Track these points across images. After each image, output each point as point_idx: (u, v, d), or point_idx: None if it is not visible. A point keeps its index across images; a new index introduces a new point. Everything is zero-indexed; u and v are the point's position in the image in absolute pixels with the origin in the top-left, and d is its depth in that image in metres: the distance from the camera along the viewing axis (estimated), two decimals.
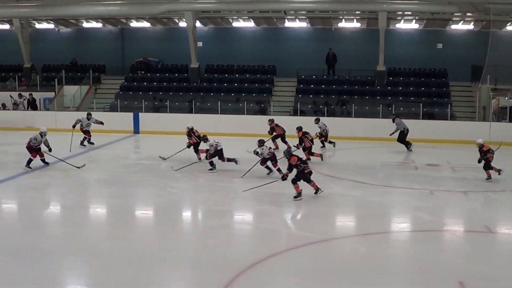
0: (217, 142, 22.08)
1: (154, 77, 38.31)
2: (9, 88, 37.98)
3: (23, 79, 38.72)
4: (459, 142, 29.09)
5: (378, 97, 33.73)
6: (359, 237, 14.50)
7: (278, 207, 17.59)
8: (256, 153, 20.98)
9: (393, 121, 27.61)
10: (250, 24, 39.12)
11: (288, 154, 18.28)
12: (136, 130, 32.14)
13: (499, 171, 20.60)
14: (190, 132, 24.31)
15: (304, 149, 23.88)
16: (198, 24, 36.50)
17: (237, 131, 29.92)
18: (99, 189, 19.93)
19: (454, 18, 35.55)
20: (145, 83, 37.61)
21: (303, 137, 23.93)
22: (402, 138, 27.51)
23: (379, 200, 18.18)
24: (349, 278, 10.12)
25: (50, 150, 22.98)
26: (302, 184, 17.77)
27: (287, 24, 38.88)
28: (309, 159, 23.20)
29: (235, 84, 36.59)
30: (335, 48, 36.42)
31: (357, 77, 36.02)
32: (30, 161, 22.61)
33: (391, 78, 35.93)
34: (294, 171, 17.91)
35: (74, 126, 27.51)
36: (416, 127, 29.03)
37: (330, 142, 27.15)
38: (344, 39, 38.62)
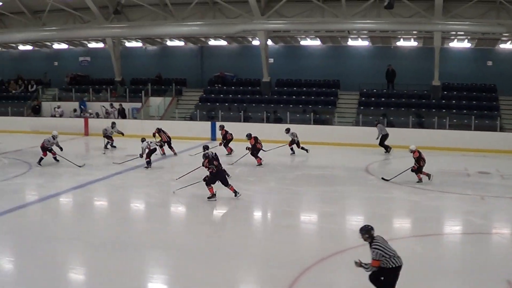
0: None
1: (229, 90, 38.63)
2: (102, 99, 38.71)
3: (114, 91, 39.37)
4: (507, 152, 28.60)
5: (434, 110, 33.30)
6: (416, 238, 14.57)
7: (342, 209, 17.67)
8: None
9: (376, 126, 28.73)
10: (317, 42, 39.20)
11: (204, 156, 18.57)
12: (213, 137, 32.60)
13: None
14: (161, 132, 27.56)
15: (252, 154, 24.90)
16: (269, 42, 36.75)
17: (304, 140, 29.93)
18: (181, 190, 20.18)
19: (502, 38, 35.12)
20: (221, 95, 37.96)
21: (256, 143, 24.91)
22: (382, 141, 28.60)
23: (435, 204, 18.26)
24: (407, 276, 10.06)
25: (61, 149, 25.38)
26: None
27: (350, 42, 38.81)
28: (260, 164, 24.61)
29: (303, 97, 36.67)
30: (394, 64, 36.23)
31: (414, 91, 35.67)
32: (41, 159, 24.74)
33: (445, 92, 35.52)
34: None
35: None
36: (468, 138, 28.79)
37: (302, 148, 27.88)
38: (402, 56, 38.29)
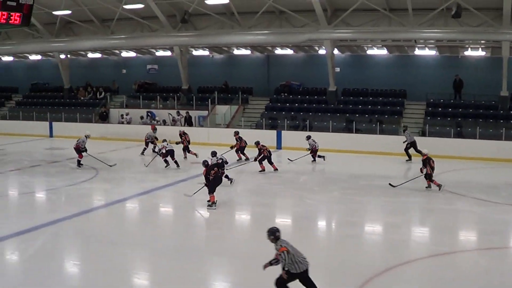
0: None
1: (295, 99, 38.63)
2: (169, 107, 39.19)
3: (182, 99, 39.84)
4: None
5: (501, 121, 32.68)
6: (480, 252, 14.30)
7: (405, 220, 17.51)
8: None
9: (403, 133, 29.43)
10: (383, 51, 38.88)
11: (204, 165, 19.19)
12: (279, 146, 32.62)
13: None
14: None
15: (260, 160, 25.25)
16: (336, 51, 36.61)
17: (369, 149, 29.76)
18: (245, 197, 20.39)
19: None
20: (287, 104, 38.00)
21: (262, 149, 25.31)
22: (408, 148, 28.73)
23: (502, 218, 17.88)
24: None
25: (85, 150, 26.15)
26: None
27: (417, 52, 38.38)
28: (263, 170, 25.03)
29: (369, 106, 36.34)
30: (461, 74, 35.65)
31: (481, 101, 35.03)
32: (79, 161, 25.95)
33: None
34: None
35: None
36: None
37: (319, 156, 27.91)
38: (470, 66, 37.64)
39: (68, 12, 34.76)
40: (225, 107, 38.09)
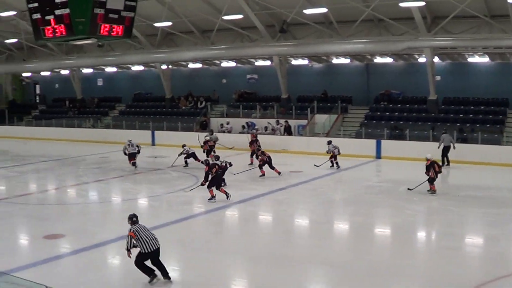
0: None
1: (395, 108, 38.22)
2: (268, 116, 39.50)
3: (282, 108, 40.07)
4: None
5: None
6: None
7: (508, 232, 17.07)
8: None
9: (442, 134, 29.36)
10: (485, 59, 37.96)
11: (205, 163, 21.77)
12: (378, 156, 32.32)
13: None
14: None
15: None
16: (436, 59, 35.99)
17: (469, 159, 29.21)
18: (343, 207, 20.38)
19: None
20: (387, 113, 37.64)
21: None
22: (444, 152, 28.75)
23: None
24: None
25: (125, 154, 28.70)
26: None
27: None
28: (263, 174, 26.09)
29: (470, 116, 35.55)
30: None
31: None
32: (134, 164, 28.36)
33: None
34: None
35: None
36: None
37: (336, 163, 28.33)
38: None
39: (169, 23, 35.60)
40: (324, 116, 38.03)
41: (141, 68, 49.33)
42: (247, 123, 39.32)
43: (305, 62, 42.75)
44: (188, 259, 14.45)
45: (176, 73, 47.43)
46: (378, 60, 40.62)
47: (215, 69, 46.95)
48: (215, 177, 21.14)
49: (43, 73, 55.67)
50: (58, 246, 15.59)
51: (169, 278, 12.38)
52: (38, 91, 59.83)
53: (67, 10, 11.59)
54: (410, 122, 35.63)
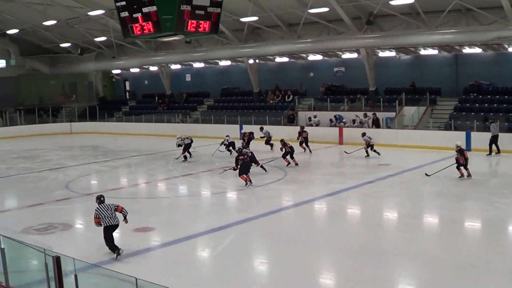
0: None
1: (485, 99, 37.26)
2: (356, 109, 39.22)
3: (369, 100, 39.71)
4: None
5: None
6: None
7: None
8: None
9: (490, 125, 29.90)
10: None
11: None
12: (468, 148, 31.57)
13: None
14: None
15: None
16: None
17: None
18: (431, 200, 20.05)
19: None
20: (476, 105, 36.73)
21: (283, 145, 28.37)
22: (493, 141, 29.19)
23: None
24: None
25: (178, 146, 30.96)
26: None
27: None
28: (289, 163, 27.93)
29: None
30: None
31: None
32: (185, 157, 30.47)
33: None
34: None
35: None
36: None
37: (375, 151, 29.61)
38: None
39: (255, 18, 35.82)
40: (412, 108, 37.48)
41: (228, 63, 49.76)
42: (335, 116, 39.13)
43: (392, 54, 42.22)
44: (277, 252, 14.59)
45: (263, 67, 47.62)
46: (466, 50, 39.66)
47: (302, 62, 46.88)
48: (243, 165, 23.32)
49: (132, 70, 57.04)
50: (148, 239, 15.98)
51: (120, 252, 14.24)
52: (127, 88, 61.22)
53: (154, 8, 11.80)
54: (501, 114, 34.69)
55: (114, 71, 58.57)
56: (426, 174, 23.76)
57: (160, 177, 26.75)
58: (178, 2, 11.87)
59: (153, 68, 53.91)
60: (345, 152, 31.13)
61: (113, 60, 50.17)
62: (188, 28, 12.40)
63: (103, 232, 14.33)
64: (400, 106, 37.61)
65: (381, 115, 37.55)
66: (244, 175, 23.04)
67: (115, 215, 14.42)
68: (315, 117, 39.29)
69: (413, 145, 29.20)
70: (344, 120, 38.53)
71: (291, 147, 28.15)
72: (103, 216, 14.32)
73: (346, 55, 43.57)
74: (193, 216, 18.77)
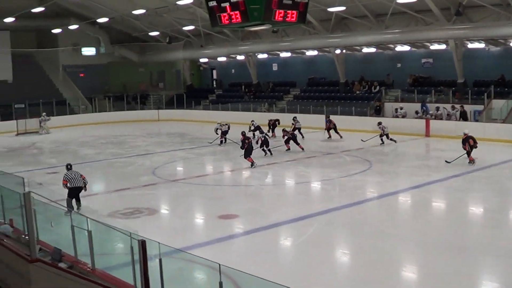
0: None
1: None
2: (443, 101, 38.47)
3: (456, 93, 38.91)
4: None
5: None
6: None
7: None
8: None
9: None
10: None
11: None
12: None
13: None
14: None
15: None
16: None
17: None
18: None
19: None
20: None
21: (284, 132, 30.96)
22: None
23: None
24: None
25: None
26: None
27: None
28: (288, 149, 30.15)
29: None
30: None
31: None
32: (221, 142, 32.91)
33: None
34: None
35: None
36: None
37: (391, 139, 31.61)
38: None
39: (342, 8, 35.49)
40: (501, 102, 36.43)
41: (315, 53, 49.53)
42: (422, 106, 38.44)
43: (481, 45, 41.19)
44: (359, 243, 14.50)
45: (350, 58, 47.19)
46: None
47: (389, 53, 46.23)
48: (248, 148, 25.83)
49: (219, 59, 57.49)
50: (232, 226, 16.14)
51: (79, 207, 17.25)
52: (214, 76, 61.69)
53: None
54: None
55: (202, 60, 59.12)
56: (446, 161, 24.91)
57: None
58: None
59: (240, 57, 54.16)
60: (361, 140, 32.51)
61: (201, 49, 50.75)
62: (276, 18, 12.41)
63: (68, 192, 17.24)
64: (488, 99, 36.63)
65: (469, 107, 36.65)
66: (250, 157, 25.59)
67: (80, 180, 17.57)
68: (401, 108, 38.73)
69: (502, 139, 28.44)
70: (430, 112, 37.83)
71: (292, 134, 31.04)
72: (70, 178, 17.43)
73: (434, 46, 42.74)
74: (276, 205, 18.85)
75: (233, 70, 58.30)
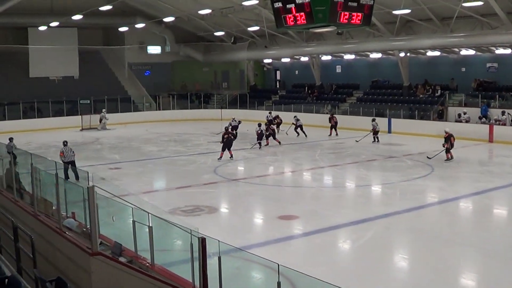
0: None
1: None
2: (508, 106, 37.65)
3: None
4: None
5: None
6: None
7: None
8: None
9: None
10: None
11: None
12: None
13: None
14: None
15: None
16: None
17: None
18: None
19: None
20: None
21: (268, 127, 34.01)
22: None
23: None
24: None
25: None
26: None
27: None
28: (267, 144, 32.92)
29: None
30: None
31: None
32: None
33: None
34: None
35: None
36: None
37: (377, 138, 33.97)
38: None
39: (407, 11, 35.11)
40: None
41: (379, 55, 49.12)
42: (482, 111, 37.75)
43: None
44: (418, 248, 14.32)
45: (413, 61, 46.61)
46: None
47: (453, 57, 45.51)
48: (226, 142, 27.78)
49: (283, 60, 57.39)
50: (291, 227, 16.12)
51: (77, 179, 18.51)
52: (278, 77, 61.69)
53: None
54: None
55: (266, 61, 59.20)
56: (428, 157, 27.13)
57: (306, 166, 26.85)
58: None
59: (304, 59, 54.05)
60: (356, 141, 33.98)
61: (265, 49, 50.83)
62: (341, 20, 12.35)
63: (64, 165, 19.66)
64: None
65: None
66: (223, 152, 27.73)
67: (72, 155, 22.61)
68: (464, 113, 38.10)
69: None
70: (495, 117, 37.10)
71: (274, 130, 34.37)
72: (65, 152, 22.57)
73: (500, 51, 41.94)
74: (336, 207, 18.76)
75: (296, 71, 58.23)
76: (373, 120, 34.55)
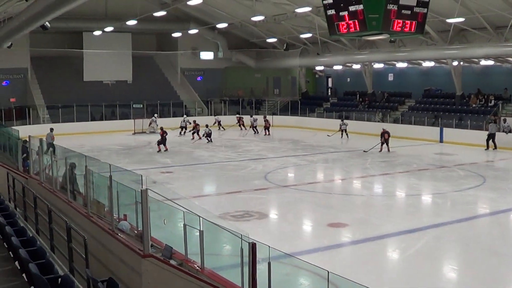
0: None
1: None
2: None
3: None
4: None
5: None
6: None
7: None
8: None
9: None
10: None
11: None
12: None
13: None
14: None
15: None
16: None
17: None
18: None
19: None
20: None
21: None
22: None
23: None
24: None
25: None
26: None
27: None
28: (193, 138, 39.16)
29: None
30: None
31: None
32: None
33: None
34: None
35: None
36: None
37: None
38: None
39: (461, 19, 34.70)
40: None
41: (431, 64, 48.64)
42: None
43: None
44: (468, 260, 14.10)
45: (467, 70, 46.04)
46: None
47: (507, 66, 44.81)
48: (162, 139, 33.12)
49: (335, 67, 57.23)
50: (340, 235, 16.07)
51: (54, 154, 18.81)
52: (330, 84, 61.53)
53: (361, 6, 11.77)
54: None
55: (317, 68, 59.11)
56: (364, 151, 31.65)
57: (356, 174, 26.73)
58: (385, 1, 11.77)
59: (356, 66, 53.82)
60: (327, 135, 40.15)
61: (317, 56, 50.72)
62: (394, 28, 12.26)
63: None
64: None
65: None
66: (160, 146, 33.19)
67: (51, 140, 26.41)
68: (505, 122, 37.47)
69: None
70: None
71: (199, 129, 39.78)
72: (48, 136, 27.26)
73: None
74: (386, 216, 18.63)
75: (348, 79, 57.98)
76: (342, 120, 41.25)
